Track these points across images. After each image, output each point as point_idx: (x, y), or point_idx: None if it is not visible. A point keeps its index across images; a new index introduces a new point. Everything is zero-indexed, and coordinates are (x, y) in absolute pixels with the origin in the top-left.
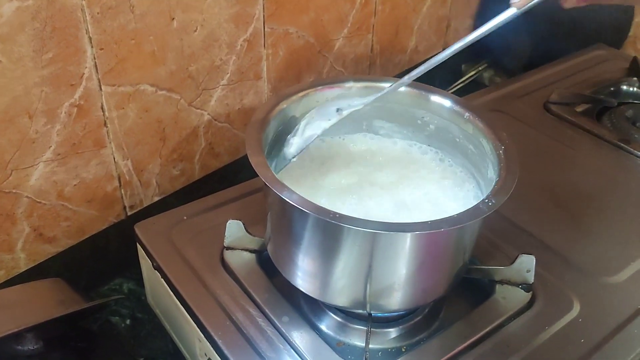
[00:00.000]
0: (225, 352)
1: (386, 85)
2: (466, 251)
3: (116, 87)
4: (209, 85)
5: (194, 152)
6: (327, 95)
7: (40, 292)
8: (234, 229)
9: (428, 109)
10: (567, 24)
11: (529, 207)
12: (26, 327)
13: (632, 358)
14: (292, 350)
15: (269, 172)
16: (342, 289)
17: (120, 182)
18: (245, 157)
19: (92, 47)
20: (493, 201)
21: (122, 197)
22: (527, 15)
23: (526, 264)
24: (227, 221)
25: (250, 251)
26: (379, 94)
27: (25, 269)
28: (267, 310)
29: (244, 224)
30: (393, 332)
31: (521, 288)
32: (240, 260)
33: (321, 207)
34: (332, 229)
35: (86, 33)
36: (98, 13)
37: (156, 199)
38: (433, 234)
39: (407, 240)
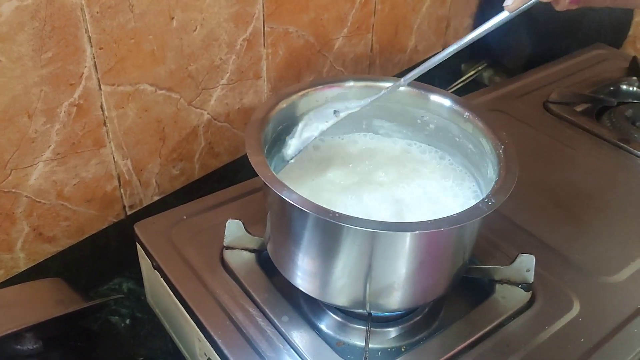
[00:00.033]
0: (225, 351)
1: (385, 84)
2: (466, 251)
3: (116, 86)
4: (208, 84)
5: (194, 152)
6: (326, 94)
7: (39, 292)
8: (233, 229)
9: (428, 108)
10: (566, 23)
11: (529, 207)
12: (26, 327)
13: (632, 357)
14: (291, 350)
15: (268, 171)
16: (341, 288)
17: (119, 181)
18: (245, 157)
19: (91, 46)
20: (493, 200)
21: (121, 197)
22: (526, 15)
23: (526, 264)
24: (226, 221)
25: (250, 251)
26: (375, 97)
27: (25, 268)
28: (266, 310)
29: (243, 224)
30: (393, 332)
31: (521, 287)
32: (240, 259)
33: (321, 206)
34: (331, 229)
35: (85, 32)
36: (97, 12)
37: (156, 198)
38: (433, 234)
39: (406, 240)
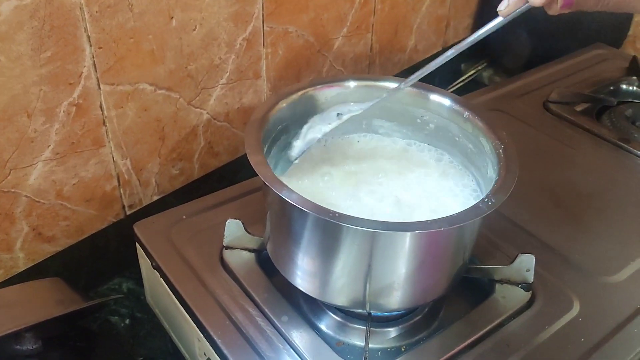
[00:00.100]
0: (225, 351)
1: (385, 84)
2: (466, 250)
3: (115, 86)
4: (208, 84)
5: (193, 152)
6: (326, 94)
7: (39, 292)
8: (233, 229)
9: (427, 108)
10: (566, 23)
11: (529, 207)
12: (25, 327)
13: (632, 357)
14: (291, 349)
15: (268, 171)
16: (341, 288)
17: (119, 181)
18: (245, 157)
19: (90, 45)
20: (493, 200)
21: (121, 197)
22: (526, 15)
23: (526, 263)
24: (226, 220)
25: (250, 250)
26: (377, 100)
27: (24, 268)
28: (266, 310)
29: (243, 223)
30: (393, 332)
31: (521, 287)
32: (240, 259)
33: (320, 206)
34: (331, 228)
35: (85, 32)
36: (97, 12)
37: (155, 198)
38: (433, 234)
39: (406, 240)
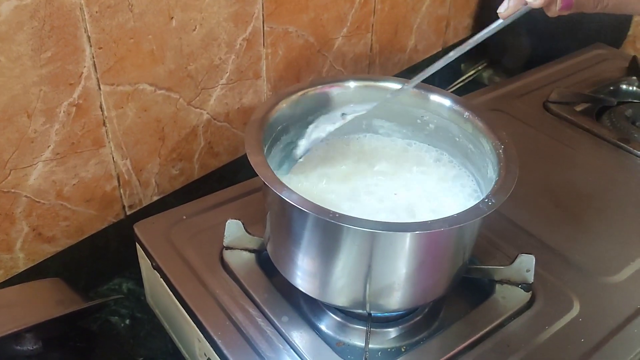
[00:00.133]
0: (225, 352)
1: (385, 84)
2: (466, 251)
3: (115, 86)
4: (208, 84)
5: (193, 152)
6: (326, 94)
7: (39, 292)
8: (233, 229)
9: (428, 108)
10: (566, 23)
11: (529, 207)
12: (25, 327)
13: (632, 358)
14: (291, 350)
15: (268, 171)
16: (341, 288)
17: (119, 181)
18: (245, 157)
19: (90, 46)
20: (493, 201)
21: (121, 197)
22: (526, 15)
23: (526, 264)
24: (226, 221)
25: (250, 251)
26: (381, 101)
27: (24, 268)
28: (266, 310)
29: (243, 224)
30: (393, 332)
31: (521, 288)
32: (240, 260)
33: (321, 206)
34: (331, 229)
35: (85, 32)
36: (97, 12)
37: (155, 198)
38: (433, 234)
39: (406, 240)
